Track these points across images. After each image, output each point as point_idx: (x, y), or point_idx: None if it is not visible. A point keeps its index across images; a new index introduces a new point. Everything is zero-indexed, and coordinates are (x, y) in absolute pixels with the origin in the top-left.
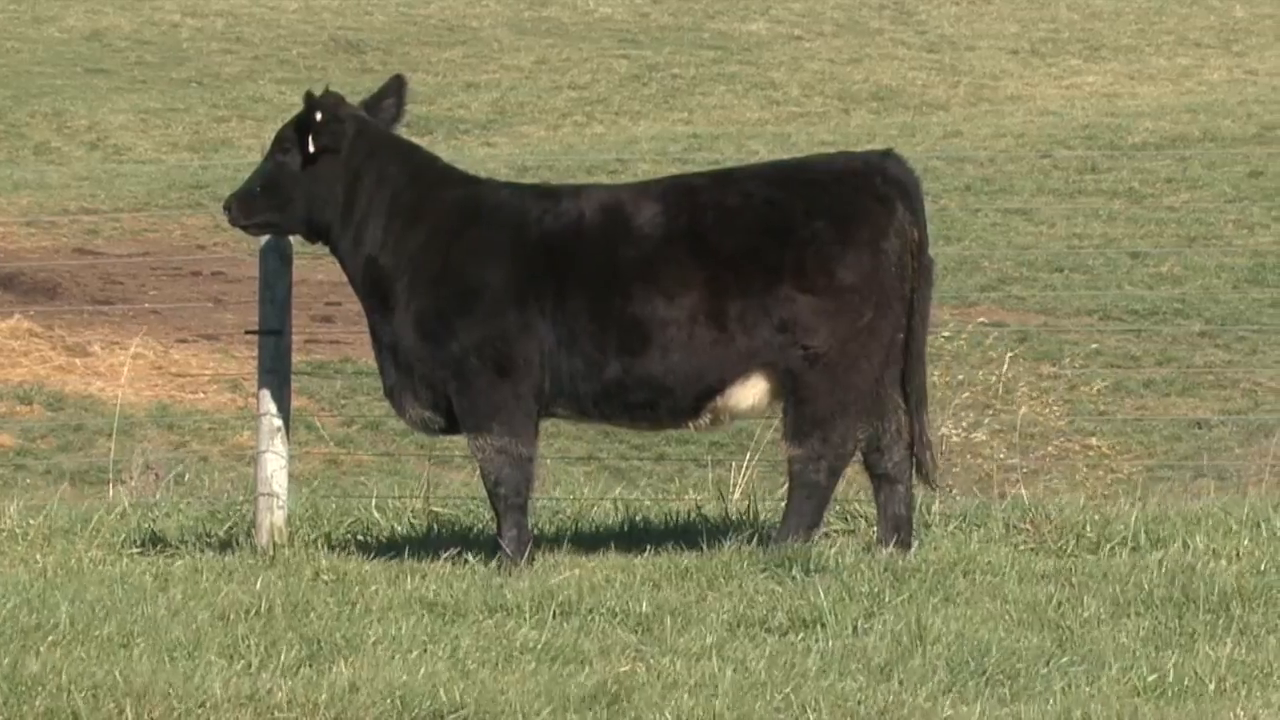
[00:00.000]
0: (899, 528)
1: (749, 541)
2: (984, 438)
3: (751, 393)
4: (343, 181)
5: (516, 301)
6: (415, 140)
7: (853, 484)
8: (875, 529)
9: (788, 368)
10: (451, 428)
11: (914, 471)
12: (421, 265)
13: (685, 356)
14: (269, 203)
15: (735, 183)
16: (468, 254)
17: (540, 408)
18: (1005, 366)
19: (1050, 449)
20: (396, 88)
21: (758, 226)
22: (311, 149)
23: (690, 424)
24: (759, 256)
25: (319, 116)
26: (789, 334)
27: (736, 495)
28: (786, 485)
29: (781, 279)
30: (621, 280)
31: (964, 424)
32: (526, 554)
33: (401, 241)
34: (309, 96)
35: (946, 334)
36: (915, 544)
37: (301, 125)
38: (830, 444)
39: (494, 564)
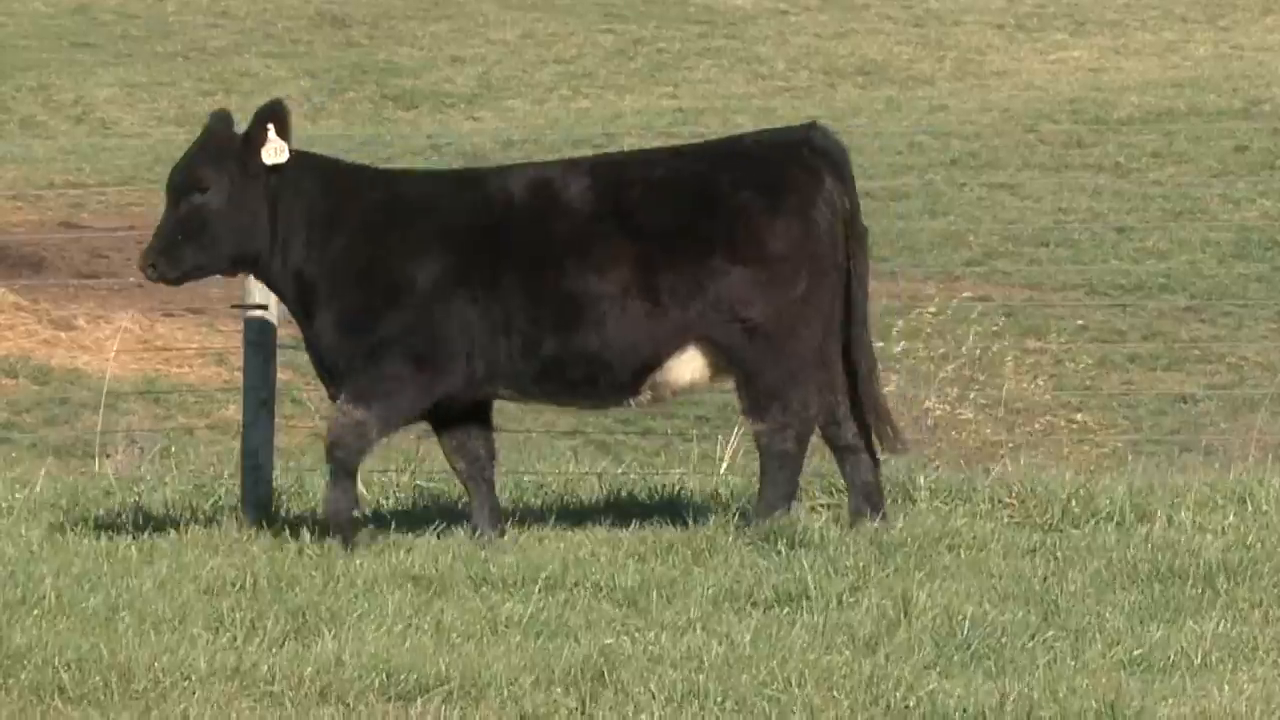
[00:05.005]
0: (870, 495)
1: (734, 516)
2: (969, 413)
3: (689, 367)
4: (266, 205)
5: (443, 293)
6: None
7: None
8: (847, 501)
9: (728, 342)
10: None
11: (873, 442)
12: (343, 265)
13: (620, 330)
14: (196, 247)
15: (662, 159)
16: (391, 250)
17: (472, 391)
18: (977, 339)
19: (1037, 425)
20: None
21: (686, 199)
22: (274, 160)
23: (632, 400)
24: (689, 229)
25: (271, 129)
26: (724, 307)
27: (722, 469)
28: (758, 460)
29: (713, 251)
30: (553, 256)
31: (949, 398)
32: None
33: (323, 248)
34: (260, 111)
35: (933, 310)
36: (886, 505)
37: (251, 142)
38: (792, 411)
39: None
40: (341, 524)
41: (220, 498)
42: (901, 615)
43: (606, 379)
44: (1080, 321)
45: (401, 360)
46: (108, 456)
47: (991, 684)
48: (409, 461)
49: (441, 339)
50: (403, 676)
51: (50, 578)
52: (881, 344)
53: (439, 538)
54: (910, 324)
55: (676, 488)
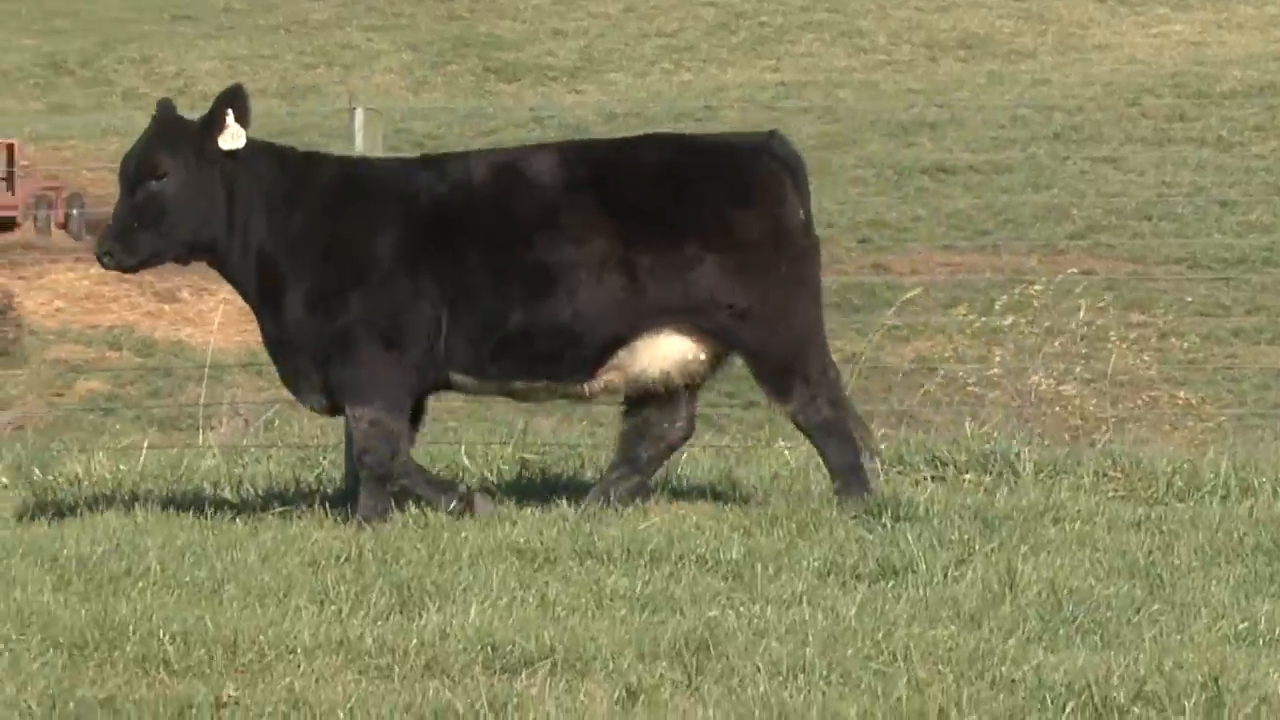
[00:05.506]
0: (626, 495)
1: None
2: (1073, 388)
3: (663, 352)
4: (223, 191)
5: (407, 270)
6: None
7: (944, 431)
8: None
9: (719, 329)
10: (338, 409)
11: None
12: (305, 244)
13: (589, 303)
14: (154, 234)
15: (631, 147)
16: (353, 227)
17: (432, 376)
18: (1082, 313)
19: (1141, 400)
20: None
21: (658, 187)
22: (231, 145)
23: (592, 380)
24: (661, 217)
25: (230, 114)
26: (705, 294)
27: None
28: (809, 441)
29: (686, 239)
30: (522, 230)
31: (1055, 373)
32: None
33: (283, 228)
34: (220, 96)
35: (1038, 286)
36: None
37: (211, 126)
38: (813, 380)
39: (353, 522)
40: (376, 527)
41: (324, 469)
42: (1006, 589)
43: (573, 354)
44: (1188, 299)
45: (368, 340)
46: (211, 429)
47: (1097, 657)
48: (513, 434)
49: (408, 317)
50: (508, 649)
51: (155, 550)
52: (985, 318)
53: (543, 511)
54: (1014, 299)
55: (781, 460)
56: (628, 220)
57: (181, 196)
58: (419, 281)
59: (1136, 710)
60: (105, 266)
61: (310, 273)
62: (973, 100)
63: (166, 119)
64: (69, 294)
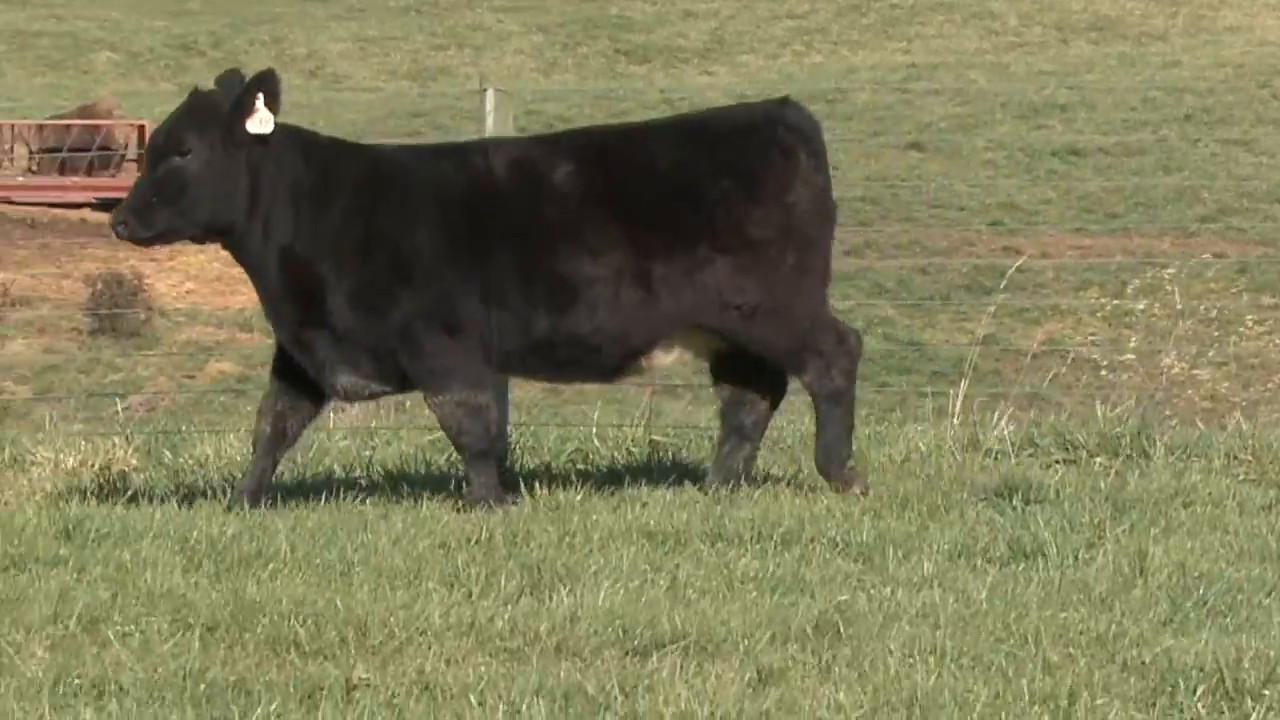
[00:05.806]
0: (730, 480)
1: (969, 469)
2: (1205, 371)
3: (675, 352)
4: (246, 175)
5: (450, 260)
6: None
7: (1075, 413)
8: (713, 467)
9: (727, 327)
10: (389, 392)
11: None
12: (345, 242)
13: (609, 316)
14: (170, 210)
15: (641, 143)
16: (391, 221)
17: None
18: (1212, 297)
19: (1273, 382)
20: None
21: (667, 190)
22: (258, 130)
23: (617, 378)
24: (671, 220)
25: (261, 99)
26: (714, 295)
27: (956, 424)
28: (814, 405)
29: (698, 242)
30: (542, 237)
31: (1188, 356)
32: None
33: (316, 223)
34: (252, 79)
35: (1170, 270)
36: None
37: (240, 110)
38: (828, 351)
39: (469, 511)
40: (495, 507)
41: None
42: (1137, 572)
43: (593, 360)
44: None
45: (429, 330)
46: (342, 411)
47: (1228, 640)
48: (644, 416)
49: (461, 303)
50: (638, 632)
51: (285, 532)
52: (1116, 301)
53: (674, 493)
54: (1146, 282)
55: (911, 443)
56: (641, 230)
57: (203, 175)
58: (462, 271)
59: (1268, 693)
60: (119, 236)
61: (355, 269)
62: (1103, 82)
63: (200, 98)
64: (199, 276)
